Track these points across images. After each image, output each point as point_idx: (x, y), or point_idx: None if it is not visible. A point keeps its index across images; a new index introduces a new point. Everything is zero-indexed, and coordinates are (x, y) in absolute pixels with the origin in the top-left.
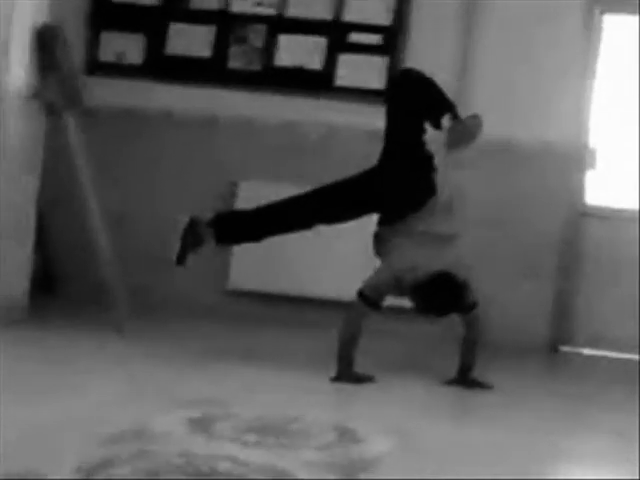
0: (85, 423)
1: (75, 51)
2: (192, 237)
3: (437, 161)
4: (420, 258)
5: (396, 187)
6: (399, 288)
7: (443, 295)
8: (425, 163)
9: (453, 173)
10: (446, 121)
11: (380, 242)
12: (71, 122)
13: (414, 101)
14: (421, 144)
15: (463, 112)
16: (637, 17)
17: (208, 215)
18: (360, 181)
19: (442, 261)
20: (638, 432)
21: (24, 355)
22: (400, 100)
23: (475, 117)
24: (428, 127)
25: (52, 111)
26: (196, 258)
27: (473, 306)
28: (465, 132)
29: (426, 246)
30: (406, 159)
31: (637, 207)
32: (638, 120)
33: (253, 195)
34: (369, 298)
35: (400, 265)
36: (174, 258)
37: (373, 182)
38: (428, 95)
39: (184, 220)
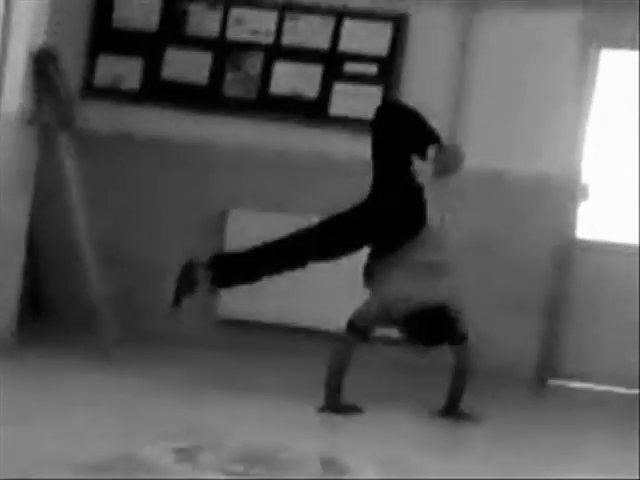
0: (71, 451)
1: (71, 75)
2: (188, 280)
3: (427, 191)
4: (411, 289)
5: (387, 220)
6: (389, 319)
7: (434, 326)
8: (415, 194)
9: (444, 203)
10: (431, 151)
11: (371, 273)
12: (64, 145)
13: (399, 133)
14: (410, 175)
15: (457, 142)
16: (635, 52)
17: (202, 258)
18: (352, 216)
19: (434, 292)
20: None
21: (10, 380)
22: (385, 133)
23: (456, 147)
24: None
25: (46, 134)
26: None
27: (464, 337)
28: (450, 161)
29: (418, 277)
30: (396, 191)
31: (628, 240)
32: (637, 154)
33: (242, 224)
34: (359, 329)
35: (391, 296)
36: (170, 301)
37: (364, 216)
38: (413, 127)
39: (180, 263)
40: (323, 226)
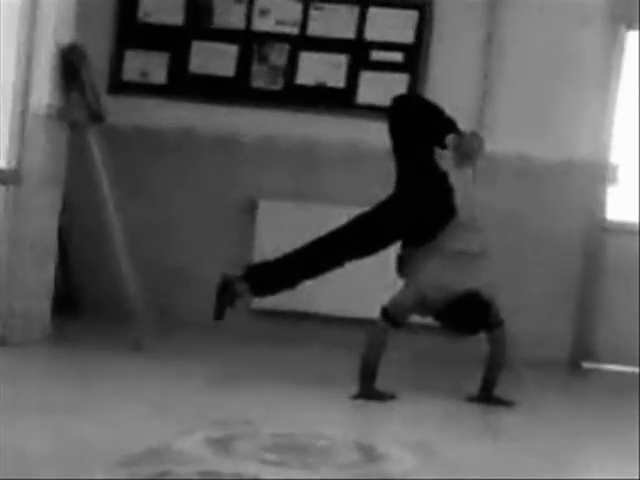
0: (106, 443)
1: (99, 70)
2: (227, 295)
3: (456, 179)
4: (446, 278)
5: (417, 211)
6: (424, 307)
7: (470, 315)
8: (441, 183)
9: (475, 190)
10: (450, 140)
11: (404, 264)
12: (94, 140)
13: (417, 125)
14: (433, 165)
15: (485, 128)
16: None
17: (235, 273)
18: (381, 212)
19: (468, 279)
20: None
21: (45, 374)
22: (403, 126)
23: (474, 134)
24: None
25: (75, 129)
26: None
27: (499, 324)
28: (470, 148)
29: (451, 265)
30: (421, 182)
31: None
32: None
33: (272, 214)
34: (393, 317)
35: (426, 285)
36: (213, 314)
37: (394, 210)
38: (429, 116)
39: (217, 280)
40: (354, 225)
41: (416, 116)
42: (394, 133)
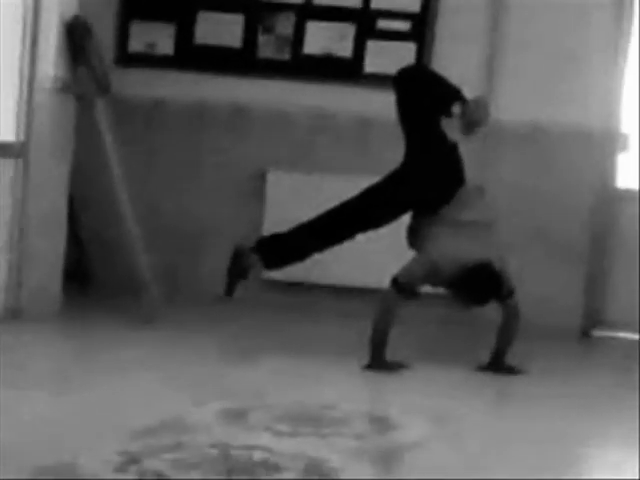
0: (120, 415)
1: (105, 42)
2: (239, 267)
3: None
4: (457, 247)
5: (426, 182)
6: (435, 278)
7: (482, 285)
8: (449, 153)
9: (484, 159)
10: (456, 108)
11: (415, 234)
12: (101, 112)
13: (423, 96)
14: (441, 134)
15: (494, 98)
16: None
17: (249, 243)
18: (391, 183)
19: (479, 249)
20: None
21: (59, 348)
22: (409, 98)
23: (479, 99)
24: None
25: (82, 102)
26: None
27: (510, 293)
28: (475, 114)
29: (462, 235)
30: (430, 152)
31: None
32: None
33: (281, 184)
34: (404, 287)
35: (437, 255)
36: (223, 290)
37: (404, 181)
38: (434, 88)
39: (228, 251)
40: (365, 196)
41: (421, 87)
42: (401, 104)
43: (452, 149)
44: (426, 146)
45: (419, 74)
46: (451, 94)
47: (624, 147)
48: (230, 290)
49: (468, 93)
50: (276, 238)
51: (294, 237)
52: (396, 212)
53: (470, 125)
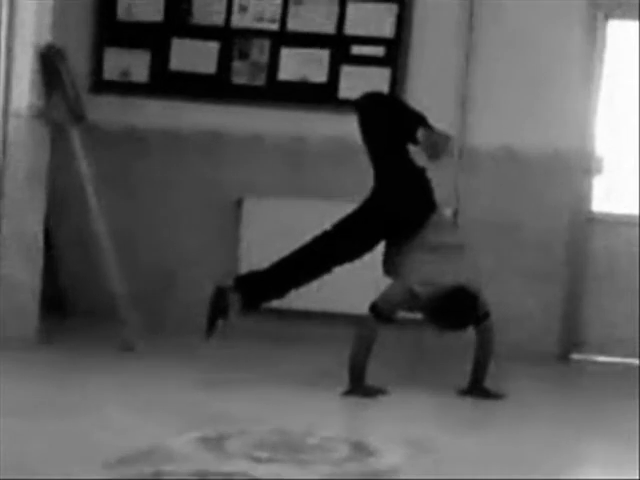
0: (97, 444)
1: (79, 69)
2: (220, 306)
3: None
4: (432, 272)
5: (397, 208)
6: (413, 303)
7: (459, 310)
8: (419, 178)
9: (457, 183)
10: (420, 135)
11: (390, 261)
12: (76, 139)
13: (386, 123)
14: (408, 161)
15: (467, 122)
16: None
17: (228, 282)
18: (363, 214)
19: (454, 273)
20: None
21: (36, 376)
22: (373, 124)
23: (440, 131)
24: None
25: (57, 130)
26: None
27: (486, 317)
28: (438, 143)
29: (437, 259)
30: (399, 179)
31: None
32: None
33: (258, 211)
34: (382, 313)
35: (413, 280)
36: (205, 330)
37: (375, 211)
38: (398, 114)
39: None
40: (338, 229)
41: (385, 113)
42: (365, 132)
43: (421, 175)
44: (395, 173)
45: (381, 100)
46: (415, 120)
47: (598, 170)
48: (211, 329)
49: (442, 118)
50: (254, 276)
51: (271, 276)
52: (371, 242)
53: (434, 152)
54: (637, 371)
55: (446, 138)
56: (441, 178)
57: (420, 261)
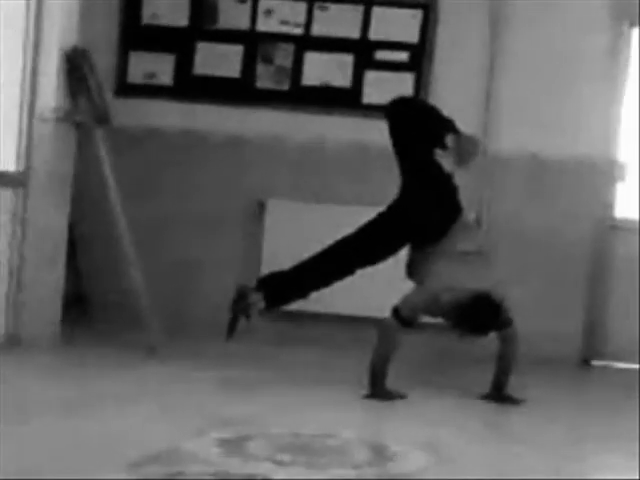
0: (119, 445)
1: (105, 73)
2: (242, 306)
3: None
4: (456, 278)
5: (424, 214)
6: (435, 308)
7: (482, 315)
8: (445, 184)
9: (482, 189)
10: (449, 140)
11: (414, 266)
12: (101, 141)
13: (416, 128)
14: (436, 166)
15: (490, 128)
16: None
17: (250, 283)
18: (389, 217)
19: (478, 279)
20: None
21: (57, 378)
22: (402, 129)
23: (471, 135)
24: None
25: (82, 132)
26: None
27: (509, 323)
28: (467, 148)
29: (461, 265)
30: (426, 184)
31: None
32: None
33: (280, 214)
34: (404, 317)
35: (437, 286)
36: (226, 330)
37: (402, 215)
38: (427, 119)
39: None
40: (363, 232)
41: (414, 118)
42: (394, 136)
43: (448, 180)
44: (422, 178)
45: (411, 105)
46: (444, 125)
47: (622, 177)
48: (232, 329)
49: (466, 124)
50: (277, 276)
51: (294, 276)
52: (396, 246)
53: (463, 157)
54: None
55: (475, 143)
56: (467, 183)
57: (445, 267)
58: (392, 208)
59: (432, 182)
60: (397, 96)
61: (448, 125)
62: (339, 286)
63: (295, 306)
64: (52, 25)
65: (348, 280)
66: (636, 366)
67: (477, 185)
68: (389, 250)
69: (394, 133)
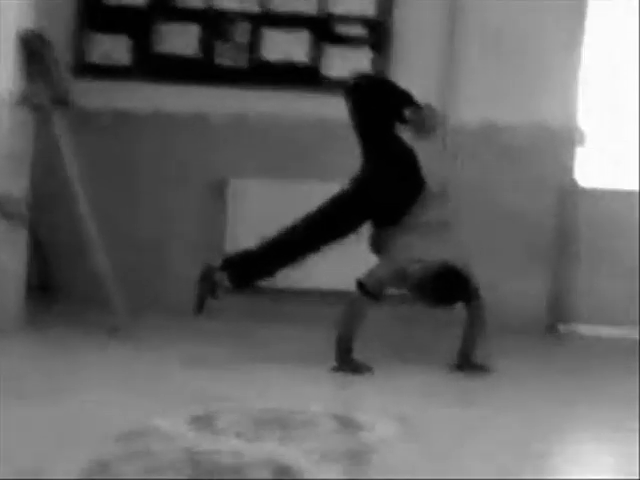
0: (87, 424)
1: (62, 53)
2: (208, 285)
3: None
4: (420, 250)
5: (388, 188)
6: (401, 281)
7: (448, 287)
8: (407, 158)
9: (444, 160)
10: (407, 113)
11: (378, 240)
12: (60, 124)
13: (376, 103)
14: (397, 140)
15: (450, 100)
16: None
17: (210, 255)
18: (352, 194)
19: (442, 250)
20: (638, 426)
21: (23, 360)
22: (362, 105)
23: (429, 106)
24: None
25: (41, 114)
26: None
27: (475, 292)
28: (425, 120)
29: (425, 237)
30: (388, 159)
31: (628, 186)
32: (637, 100)
33: (243, 192)
34: (370, 290)
35: (402, 258)
36: (192, 308)
37: (365, 191)
38: (386, 94)
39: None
40: (327, 209)
41: (374, 94)
42: (354, 112)
43: (410, 154)
44: (384, 153)
45: (370, 81)
46: (402, 99)
47: (581, 142)
48: (200, 307)
49: (427, 95)
50: (242, 256)
51: (259, 255)
52: (359, 222)
53: (423, 129)
54: (624, 342)
55: (434, 114)
56: (429, 155)
57: (410, 239)
58: (354, 185)
59: (393, 158)
60: (355, 73)
61: (406, 98)
62: (313, 260)
63: (263, 282)
64: (7, 7)
65: (320, 254)
66: (602, 330)
67: (439, 156)
68: (353, 227)
69: (353, 110)
